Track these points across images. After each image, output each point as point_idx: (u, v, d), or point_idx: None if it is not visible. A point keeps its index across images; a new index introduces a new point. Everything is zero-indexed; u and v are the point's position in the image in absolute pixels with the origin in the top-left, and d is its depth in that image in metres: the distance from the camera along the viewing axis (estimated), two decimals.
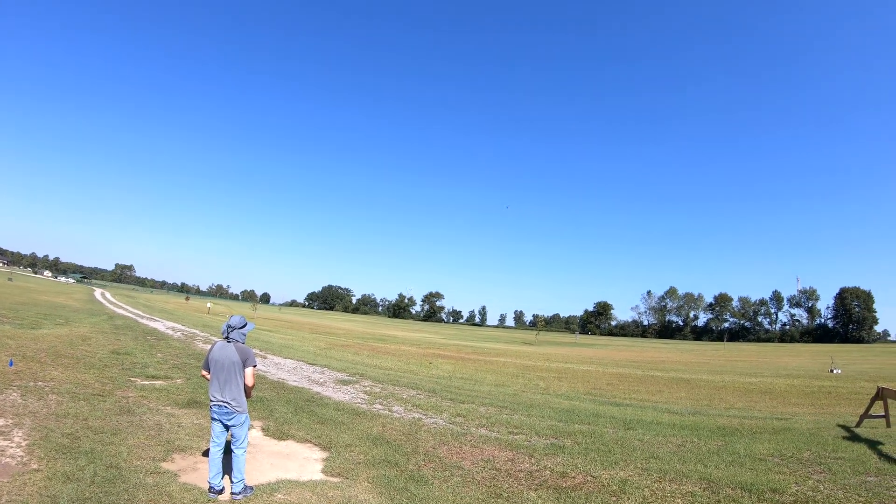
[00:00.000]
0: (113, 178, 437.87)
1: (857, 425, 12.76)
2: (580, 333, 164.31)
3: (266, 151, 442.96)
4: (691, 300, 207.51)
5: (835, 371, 34.95)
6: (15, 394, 10.55)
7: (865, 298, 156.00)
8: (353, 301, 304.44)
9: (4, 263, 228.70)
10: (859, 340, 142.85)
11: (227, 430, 6.90)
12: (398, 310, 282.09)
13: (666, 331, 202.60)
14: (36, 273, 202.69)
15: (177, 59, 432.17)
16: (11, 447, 7.42)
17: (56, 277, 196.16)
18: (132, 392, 12.34)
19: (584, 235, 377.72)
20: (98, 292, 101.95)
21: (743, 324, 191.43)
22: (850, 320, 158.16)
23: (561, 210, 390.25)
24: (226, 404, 6.74)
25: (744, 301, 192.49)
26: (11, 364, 13.18)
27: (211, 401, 6.88)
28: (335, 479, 7.76)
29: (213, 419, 6.89)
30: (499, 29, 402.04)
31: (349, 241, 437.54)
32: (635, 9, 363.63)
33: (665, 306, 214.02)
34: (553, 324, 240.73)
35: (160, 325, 36.13)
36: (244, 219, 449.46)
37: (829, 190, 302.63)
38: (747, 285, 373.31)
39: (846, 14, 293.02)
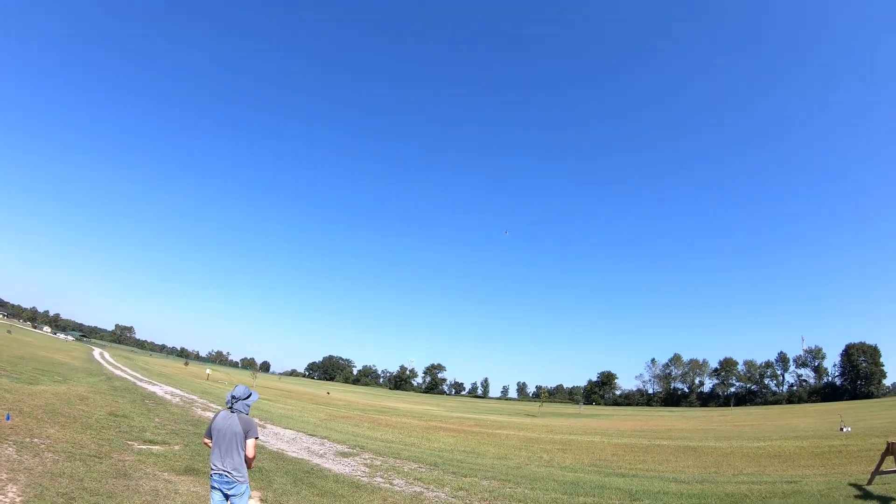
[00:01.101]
0: (118, 238, 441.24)
1: (869, 483, 12.54)
2: (584, 404, 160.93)
3: (269, 221, 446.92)
4: (696, 366, 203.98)
5: (844, 429, 33.96)
6: (10, 449, 10.45)
7: (872, 353, 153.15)
8: (354, 372, 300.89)
9: (4, 316, 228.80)
10: (868, 396, 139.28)
11: (227, 500, 6.80)
12: (399, 381, 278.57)
13: (671, 398, 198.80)
14: (35, 328, 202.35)
15: (179, 126, 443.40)
16: (6, 502, 7.32)
17: (55, 333, 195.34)
18: (129, 455, 12.18)
19: (586, 305, 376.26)
20: (97, 352, 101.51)
21: (749, 387, 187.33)
22: (858, 376, 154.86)
23: (562, 280, 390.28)
24: (227, 473, 6.69)
25: (749, 364, 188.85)
26: (8, 418, 13.10)
27: (211, 469, 6.82)
28: None
29: (213, 488, 6.81)
30: (496, 89, 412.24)
31: (350, 311, 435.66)
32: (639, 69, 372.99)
33: (670, 374, 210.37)
34: (556, 395, 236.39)
35: (159, 390, 35.83)
36: (246, 286, 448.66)
37: (828, 247, 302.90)
38: (752, 348, 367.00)
39: (845, 77, 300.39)
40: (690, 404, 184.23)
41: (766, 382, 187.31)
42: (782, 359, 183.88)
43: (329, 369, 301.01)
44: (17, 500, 7.55)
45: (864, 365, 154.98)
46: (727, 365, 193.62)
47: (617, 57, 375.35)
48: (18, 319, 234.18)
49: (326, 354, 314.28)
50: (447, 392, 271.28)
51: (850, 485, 12.70)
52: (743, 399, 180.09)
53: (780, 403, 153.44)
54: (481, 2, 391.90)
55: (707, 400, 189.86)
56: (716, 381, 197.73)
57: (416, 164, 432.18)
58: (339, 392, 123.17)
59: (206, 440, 7.03)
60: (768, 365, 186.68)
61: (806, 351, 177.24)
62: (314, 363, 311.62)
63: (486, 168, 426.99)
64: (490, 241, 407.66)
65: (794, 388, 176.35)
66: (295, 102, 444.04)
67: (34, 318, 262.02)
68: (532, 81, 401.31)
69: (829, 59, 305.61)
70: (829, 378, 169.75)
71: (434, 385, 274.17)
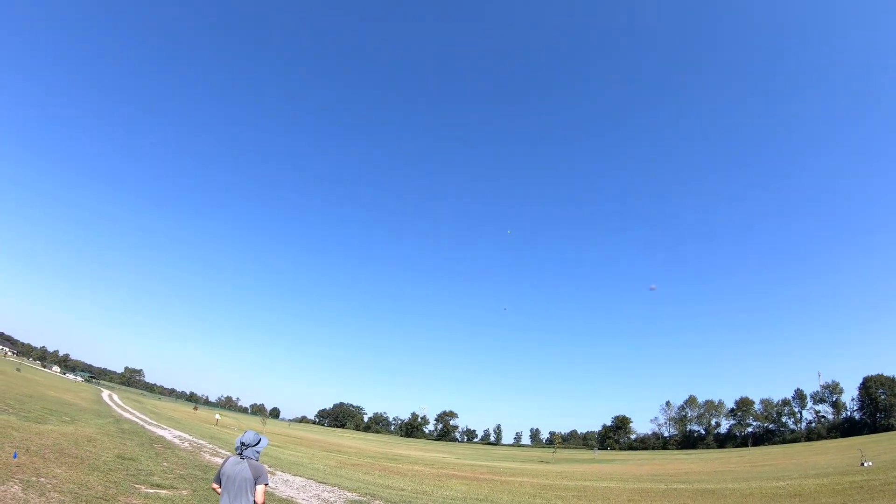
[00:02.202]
0: (129, 281, 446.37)
1: None
2: (599, 449, 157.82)
3: (280, 266, 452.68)
4: (712, 407, 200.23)
5: (865, 464, 33.59)
6: (16, 487, 10.34)
7: (890, 384, 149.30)
8: (365, 419, 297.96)
9: (14, 353, 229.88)
10: (889, 429, 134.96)
11: None
12: (411, 429, 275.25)
13: (688, 441, 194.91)
14: (45, 367, 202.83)
15: (186, 171, 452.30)
16: None
17: (64, 374, 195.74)
18: (136, 499, 12.00)
19: (600, 349, 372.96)
20: (105, 393, 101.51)
21: (767, 426, 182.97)
22: (877, 409, 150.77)
23: (575, 325, 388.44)
24: None
25: (766, 403, 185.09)
26: (15, 457, 12.99)
27: None
28: None
29: None
30: (506, 143, 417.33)
31: (362, 358, 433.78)
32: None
33: (685, 416, 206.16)
34: (570, 441, 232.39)
35: (167, 433, 35.57)
36: (256, 332, 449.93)
37: (840, 279, 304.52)
38: (768, 386, 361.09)
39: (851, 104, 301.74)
40: (707, 446, 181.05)
41: (783, 420, 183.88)
42: (799, 395, 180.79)
43: (339, 416, 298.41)
44: None
45: (882, 397, 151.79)
46: (743, 404, 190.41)
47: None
48: (28, 358, 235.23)
49: (337, 401, 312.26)
50: (459, 439, 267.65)
51: None
52: (761, 438, 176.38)
53: (799, 441, 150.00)
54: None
55: (724, 441, 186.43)
56: (732, 422, 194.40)
57: (426, 211, 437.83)
58: (349, 440, 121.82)
59: (215, 486, 6.90)
60: (785, 403, 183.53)
61: (823, 386, 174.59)
62: (324, 410, 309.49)
63: (499, 214, 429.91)
64: (502, 287, 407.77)
65: (813, 424, 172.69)
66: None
67: (44, 357, 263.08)
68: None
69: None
70: (848, 413, 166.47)
71: (446, 432, 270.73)
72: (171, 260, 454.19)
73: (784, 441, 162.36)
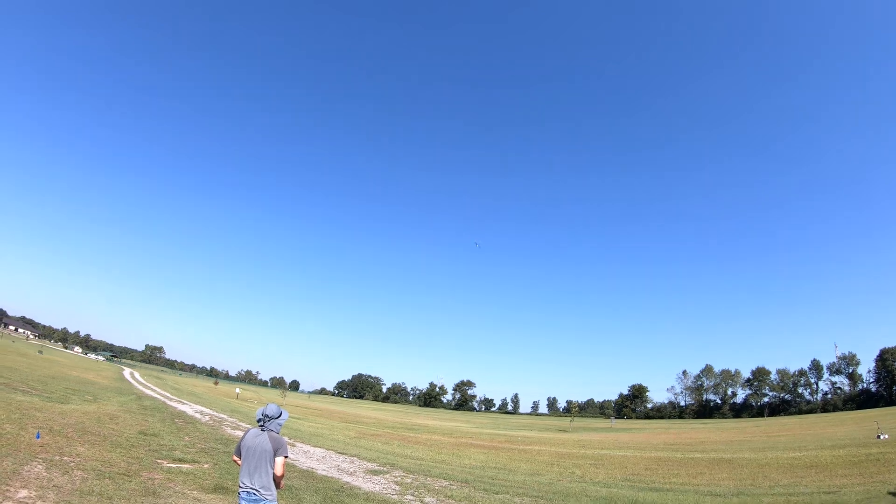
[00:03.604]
0: (148, 260, 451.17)
1: None
2: (615, 418, 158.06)
3: (299, 241, 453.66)
4: (728, 377, 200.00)
5: (882, 436, 33.32)
6: (40, 466, 10.56)
7: None
8: (384, 390, 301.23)
9: (36, 336, 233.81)
10: None
11: None
12: (429, 399, 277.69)
13: (704, 410, 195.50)
14: (66, 348, 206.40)
15: (206, 152, 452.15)
16: None
17: (86, 354, 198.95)
18: (158, 474, 12.23)
19: (616, 318, 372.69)
20: (127, 371, 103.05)
21: (783, 397, 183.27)
22: (894, 381, 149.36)
23: (592, 294, 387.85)
24: (255, 491, 6.65)
25: (782, 373, 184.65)
26: (38, 436, 13.25)
27: (240, 487, 6.79)
28: None
29: None
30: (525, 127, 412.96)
31: (380, 329, 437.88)
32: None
33: (701, 385, 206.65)
34: (587, 409, 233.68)
35: (188, 409, 36.18)
36: (275, 305, 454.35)
37: (858, 251, 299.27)
38: (785, 356, 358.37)
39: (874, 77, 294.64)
40: (723, 416, 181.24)
41: (799, 391, 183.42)
42: (816, 366, 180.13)
43: (358, 387, 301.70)
44: None
45: None
46: (760, 374, 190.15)
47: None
48: (49, 340, 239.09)
49: (356, 372, 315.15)
50: (477, 409, 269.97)
51: (890, 493, 12.36)
52: (777, 409, 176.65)
53: (815, 412, 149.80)
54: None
55: (740, 411, 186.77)
56: (748, 392, 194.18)
57: (445, 185, 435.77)
58: (368, 410, 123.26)
59: (236, 458, 7.02)
60: (802, 373, 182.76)
61: (839, 357, 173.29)
62: (343, 381, 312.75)
63: (517, 184, 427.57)
64: (520, 257, 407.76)
65: (829, 396, 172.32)
66: (318, 112, 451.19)
67: (65, 338, 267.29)
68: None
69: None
70: (864, 385, 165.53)
71: (464, 402, 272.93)
72: (188, 237, 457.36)
73: (800, 412, 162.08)
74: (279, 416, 7.11)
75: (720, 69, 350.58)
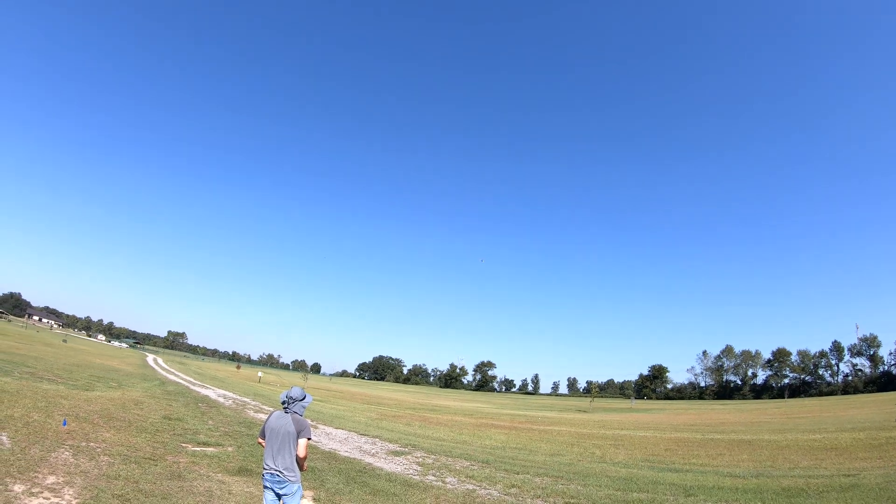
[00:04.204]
0: (169, 247, 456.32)
1: None
2: (636, 398, 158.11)
3: (317, 225, 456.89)
4: (749, 358, 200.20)
5: None
6: (67, 453, 10.76)
7: None
8: (405, 371, 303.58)
9: (60, 325, 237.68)
10: None
11: (279, 499, 6.85)
12: (450, 380, 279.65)
13: (724, 391, 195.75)
14: (90, 336, 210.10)
15: (221, 143, 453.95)
16: None
17: (109, 341, 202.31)
18: (183, 458, 12.43)
19: (637, 298, 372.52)
20: (150, 358, 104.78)
21: (803, 378, 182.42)
22: None
23: (611, 274, 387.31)
24: (278, 473, 6.72)
25: (803, 355, 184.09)
26: (65, 424, 13.49)
27: (264, 469, 6.88)
28: None
29: (266, 487, 6.86)
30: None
31: (400, 311, 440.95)
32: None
33: (722, 366, 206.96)
34: (607, 390, 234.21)
35: (212, 393, 36.67)
36: (295, 289, 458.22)
37: (878, 232, 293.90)
38: (805, 338, 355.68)
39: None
40: (744, 397, 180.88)
41: (820, 373, 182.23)
42: (836, 348, 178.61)
43: (379, 369, 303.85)
44: (74, 501, 7.75)
45: None
46: (780, 355, 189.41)
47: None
48: (73, 329, 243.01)
49: (376, 355, 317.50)
50: (497, 389, 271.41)
51: None
52: (797, 390, 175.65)
53: (836, 394, 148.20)
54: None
55: (760, 392, 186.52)
56: (769, 373, 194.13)
57: (461, 168, 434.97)
58: (389, 392, 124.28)
59: (260, 440, 7.10)
60: (822, 355, 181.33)
61: (861, 339, 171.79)
62: (364, 363, 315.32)
63: (532, 164, 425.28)
64: (538, 238, 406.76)
65: (850, 378, 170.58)
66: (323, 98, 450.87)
67: (88, 326, 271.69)
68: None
69: None
70: (885, 367, 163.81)
71: (484, 383, 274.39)
72: (208, 224, 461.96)
73: (820, 393, 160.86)
74: (303, 398, 7.19)
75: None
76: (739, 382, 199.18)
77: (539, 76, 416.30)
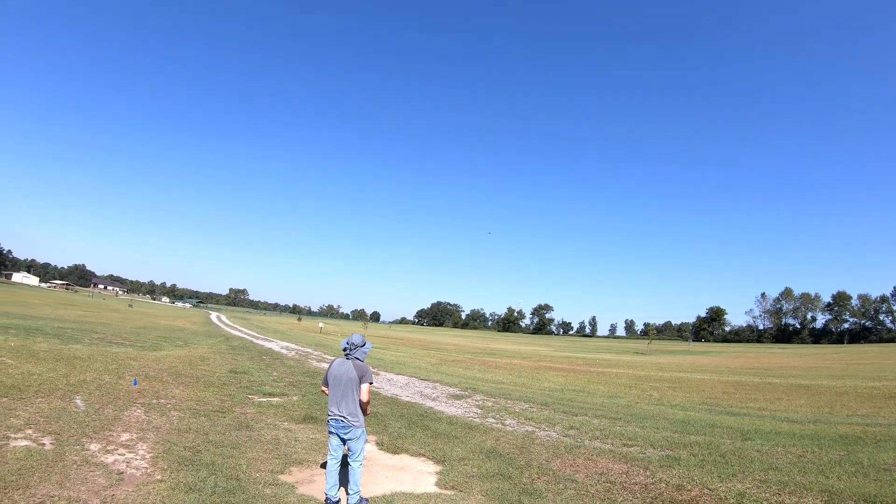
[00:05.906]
0: (225, 206, 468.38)
1: None
2: (693, 341, 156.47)
3: (372, 177, 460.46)
4: (808, 301, 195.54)
5: None
6: (139, 411, 11.32)
7: None
8: (463, 316, 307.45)
9: (125, 291, 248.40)
10: None
11: (344, 444, 7.10)
12: (507, 324, 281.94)
13: (782, 335, 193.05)
14: (154, 299, 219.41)
15: (275, 113, 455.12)
16: (136, 459, 7.94)
17: (173, 303, 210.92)
18: (250, 409, 12.96)
19: (695, 239, 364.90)
20: (214, 315, 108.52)
21: (864, 324, 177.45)
22: None
23: (670, 214, 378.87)
24: (342, 418, 6.93)
25: (864, 299, 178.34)
26: (136, 383, 14.14)
27: (328, 415, 7.12)
28: (449, 492, 7.74)
29: (331, 433, 7.10)
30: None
31: (457, 257, 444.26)
32: None
33: (781, 309, 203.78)
34: (665, 332, 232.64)
35: (274, 346, 37.84)
36: (354, 239, 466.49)
37: None
38: (866, 282, 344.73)
39: None
40: (802, 341, 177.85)
41: (881, 318, 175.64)
42: None
43: (438, 315, 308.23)
44: (147, 456, 8.17)
45: None
46: (840, 299, 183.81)
47: None
48: (138, 293, 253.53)
49: (435, 301, 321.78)
50: (555, 332, 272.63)
51: None
52: (857, 336, 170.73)
53: None
54: None
55: (819, 336, 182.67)
56: (829, 317, 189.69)
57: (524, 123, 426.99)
58: (448, 337, 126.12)
59: (324, 388, 7.35)
60: (884, 300, 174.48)
61: None
62: (423, 310, 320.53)
63: (593, 108, 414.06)
64: (595, 182, 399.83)
65: None
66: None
67: (153, 290, 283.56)
68: None
69: None
70: None
71: (542, 326, 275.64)
72: (263, 179, 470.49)
73: (881, 340, 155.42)
74: (364, 345, 7.35)
75: None
76: (798, 326, 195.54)
77: None
